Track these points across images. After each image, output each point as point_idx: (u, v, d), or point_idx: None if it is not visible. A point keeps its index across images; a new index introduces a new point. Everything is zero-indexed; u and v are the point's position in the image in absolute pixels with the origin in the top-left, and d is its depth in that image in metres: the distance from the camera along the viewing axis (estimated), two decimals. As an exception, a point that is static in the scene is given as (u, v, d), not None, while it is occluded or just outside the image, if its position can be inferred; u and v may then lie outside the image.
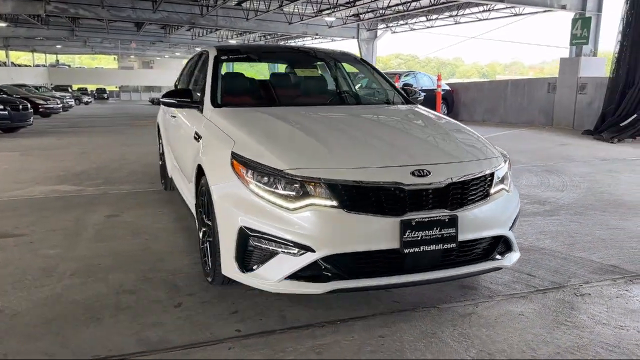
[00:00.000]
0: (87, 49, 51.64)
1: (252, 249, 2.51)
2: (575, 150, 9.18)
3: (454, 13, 23.71)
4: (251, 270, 2.52)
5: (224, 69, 4.00)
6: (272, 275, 2.44)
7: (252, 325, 2.50)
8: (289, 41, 35.24)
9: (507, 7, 20.41)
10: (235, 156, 2.64)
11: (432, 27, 27.07)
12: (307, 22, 26.16)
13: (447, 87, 16.73)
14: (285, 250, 2.42)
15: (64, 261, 3.39)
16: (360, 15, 26.24)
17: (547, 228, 4.22)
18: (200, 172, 3.08)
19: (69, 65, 68.30)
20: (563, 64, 13.74)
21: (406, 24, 27.74)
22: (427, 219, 2.42)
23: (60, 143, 10.83)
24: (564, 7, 14.82)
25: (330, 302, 2.73)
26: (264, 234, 2.45)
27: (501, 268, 2.77)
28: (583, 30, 13.37)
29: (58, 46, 48.94)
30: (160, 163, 5.74)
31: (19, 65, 56.47)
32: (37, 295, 2.84)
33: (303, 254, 2.39)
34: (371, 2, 21.16)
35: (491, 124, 15.11)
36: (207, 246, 2.97)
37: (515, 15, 21.78)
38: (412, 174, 2.46)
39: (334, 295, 2.73)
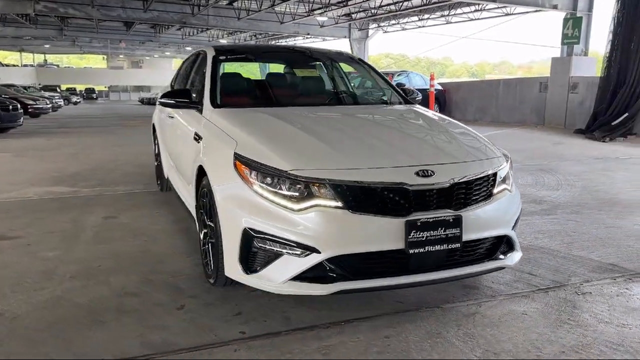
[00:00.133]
0: (75, 49, 51.15)
1: (256, 250, 2.49)
2: (568, 149, 9.26)
3: (446, 13, 23.79)
4: (255, 271, 2.51)
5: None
6: (277, 277, 2.43)
7: (257, 327, 2.49)
8: (280, 41, 35.16)
9: (498, 7, 20.52)
10: (238, 157, 2.62)
11: (423, 26, 27.16)
12: (298, 22, 26.13)
13: (440, 87, 16.80)
14: (290, 252, 2.41)
15: (63, 263, 3.36)
16: (352, 15, 26.25)
17: (545, 227, 4.24)
18: (201, 173, 3.06)
19: (57, 65, 67.63)
20: (554, 63, 13.85)
21: (398, 23, 27.81)
22: (432, 219, 2.42)
23: (52, 144, 10.73)
24: (555, 7, 14.93)
25: (333, 303, 2.72)
26: (269, 235, 2.44)
27: (504, 267, 2.78)
28: (574, 30, 13.48)
29: (46, 46, 48.45)
30: (156, 164, 5.71)
31: (7, 65, 55.87)
32: (37, 299, 2.81)
33: (308, 255, 2.38)
34: (363, 1, 21.18)
35: (483, 123, 15.18)
36: (208, 247, 2.96)
37: (507, 15, 21.92)
38: (417, 174, 2.46)
39: (337, 296, 2.73)
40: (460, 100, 17.12)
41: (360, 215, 2.37)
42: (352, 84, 4.63)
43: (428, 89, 13.62)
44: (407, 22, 27.52)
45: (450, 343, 2.35)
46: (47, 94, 28.10)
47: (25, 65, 58.36)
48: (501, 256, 2.73)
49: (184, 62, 5.21)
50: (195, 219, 3.34)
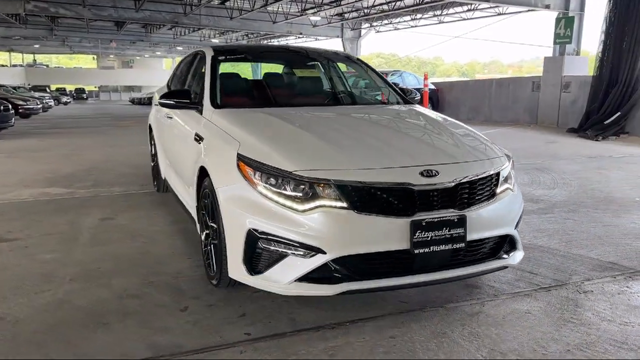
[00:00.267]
0: (65, 49, 50.71)
1: (260, 251, 2.48)
2: (562, 148, 9.32)
3: (438, 12, 23.86)
4: (260, 272, 2.50)
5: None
6: (282, 278, 2.43)
7: (262, 329, 2.48)
8: (272, 40, 35.10)
9: (491, 7, 20.61)
10: (241, 158, 2.61)
11: (415, 26, 27.23)
12: (291, 22, 26.08)
13: (433, 86, 16.85)
14: (295, 252, 2.41)
15: (62, 266, 3.33)
16: (345, 15, 26.27)
17: (543, 226, 4.27)
18: (202, 174, 3.04)
19: (47, 65, 67.09)
20: (547, 63, 13.93)
21: (390, 23, 27.86)
22: (437, 219, 2.42)
23: (44, 145, 10.63)
24: (547, 7, 15.00)
25: (337, 304, 2.72)
26: (273, 236, 2.43)
27: (507, 267, 2.79)
28: (566, 29, 13.57)
29: (36, 45, 47.97)
30: (152, 164, 5.67)
31: (-4, 65, 55.43)
32: (38, 302, 2.78)
33: (313, 255, 2.38)
34: (356, 1, 21.18)
35: (476, 123, 15.22)
36: (211, 249, 2.94)
37: (499, 14, 22.03)
38: (421, 174, 2.46)
39: (340, 297, 2.72)
40: (453, 99, 17.18)
41: (365, 216, 2.37)
42: (351, 83, 4.63)
43: (422, 89, 13.66)
44: (399, 21, 27.59)
45: (456, 343, 2.36)
46: (36, 94, 27.82)
47: (15, 66, 57.82)
48: (504, 255, 2.74)
49: (180, 62, 5.17)
50: (196, 220, 3.32)
